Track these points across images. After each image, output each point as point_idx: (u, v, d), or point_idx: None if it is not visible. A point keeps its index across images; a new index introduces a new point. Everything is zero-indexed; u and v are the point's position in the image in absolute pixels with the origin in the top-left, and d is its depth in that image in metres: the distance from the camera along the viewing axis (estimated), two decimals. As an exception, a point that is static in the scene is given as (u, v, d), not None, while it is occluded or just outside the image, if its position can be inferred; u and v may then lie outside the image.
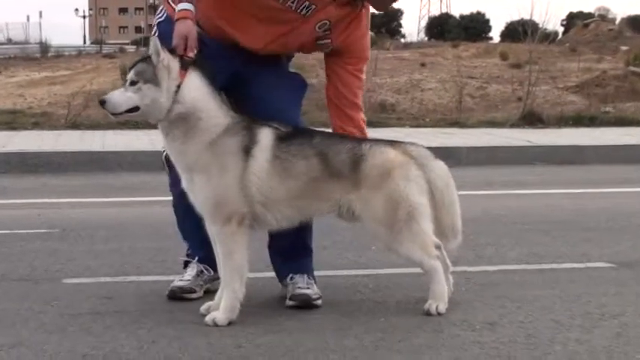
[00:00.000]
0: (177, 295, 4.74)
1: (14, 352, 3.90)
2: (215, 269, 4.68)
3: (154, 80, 4.19)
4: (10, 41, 42.69)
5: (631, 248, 6.21)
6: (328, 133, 4.68)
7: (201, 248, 4.81)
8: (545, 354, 3.91)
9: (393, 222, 4.34)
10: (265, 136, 4.31)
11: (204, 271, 4.83)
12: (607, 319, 4.44)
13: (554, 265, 5.66)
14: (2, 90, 17.24)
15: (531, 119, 14.78)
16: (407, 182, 4.35)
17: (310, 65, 19.26)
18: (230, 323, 4.27)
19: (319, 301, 4.64)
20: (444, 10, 68.27)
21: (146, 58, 4.25)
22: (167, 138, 4.32)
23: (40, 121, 13.86)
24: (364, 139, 4.54)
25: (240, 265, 4.32)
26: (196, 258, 4.86)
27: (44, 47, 31.63)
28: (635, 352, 3.94)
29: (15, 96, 16.25)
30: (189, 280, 4.80)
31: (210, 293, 4.71)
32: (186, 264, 4.93)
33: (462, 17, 54.71)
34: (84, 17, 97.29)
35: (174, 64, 4.23)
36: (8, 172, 10.26)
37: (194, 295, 4.75)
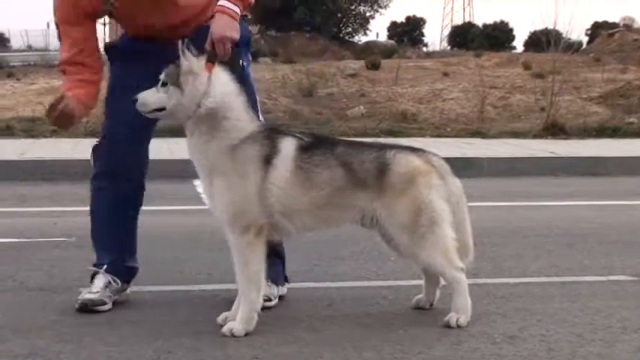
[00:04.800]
0: (89, 308, 4.66)
1: (30, 361, 3.90)
2: (123, 280, 4.79)
3: (178, 84, 4.23)
4: (30, 48, 42.86)
5: (654, 261, 6.16)
6: (350, 141, 4.70)
7: (109, 256, 4.81)
8: (566, 368, 3.89)
9: (416, 228, 4.35)
10: (287, 146, 4.32)
11: (112, 282, 4.77)
12: (629, 333, 4.42)
13: (576, 278, 5.62)
14: (22, 97, 17.31)
15: (554, 130, 14.76)
16: (430, 189, 4.37)
17: (331, 74, 19.32)
18: (247, 334, 4.25)
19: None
20: (467, 19, 68.19)
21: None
22: (192, 137, 4.31)
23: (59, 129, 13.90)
24: (386, 146, 4.54)
25: (257, 275, 4.31)
26: (104, 267, 4.79)
27: (64, 55, 31.76)
28: (657, 368, 3.92)
29: (34, 103, 16.29)
30: (98, 291, 4.73)
31: (118, 305, 4.77)
32: (92, 276, 4.84)
33: (485, 26, 54.55)
34: (104, 25, 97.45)
35: (200, 68, 4.25)
36: (26, 179, 10.33)
37: (105, 307, 4.69)
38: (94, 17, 4.72)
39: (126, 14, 4.65)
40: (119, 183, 4.76)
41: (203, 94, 4.23)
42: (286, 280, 5.04)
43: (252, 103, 4.62)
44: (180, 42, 4.25)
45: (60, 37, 4.67)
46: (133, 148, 4.60)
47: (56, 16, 4.68)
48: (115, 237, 4.83)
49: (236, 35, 4.37)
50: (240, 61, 4.75)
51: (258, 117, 4.69)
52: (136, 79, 4.46)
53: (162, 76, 4.29)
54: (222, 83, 4.29)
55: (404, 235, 4.39)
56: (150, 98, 4.30)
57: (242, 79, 4.63)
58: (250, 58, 5.02)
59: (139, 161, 4.83)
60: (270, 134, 4.35)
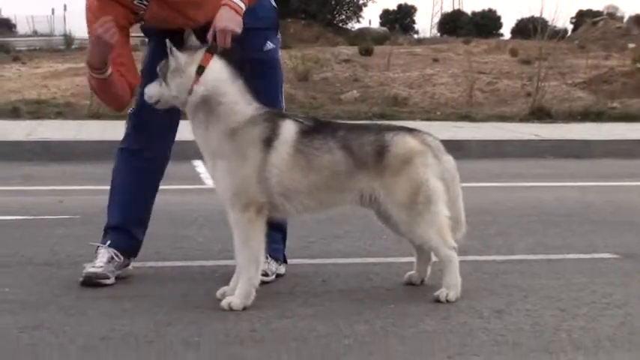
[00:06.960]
0: (93, 281, 4.76)
1: (36, 333, 4.00)
2: (125, 256, 4.89)
3: (165, 78, 4.38)
4: (35, 33, 42.57)
5: (636, 240, 6.28)
6: (349, 124, 4.78)
7: (117, 219, 4.96)
8: (550, 342, 3.99)
9: (413, 205, 4.45)
10: (287, 129, 4.40)
11: (115, 257, 4.87)
12: (611, 308, 4.52)
13: (561, 256, 5.72)
14: (27, 81, 17.33)
15: (540, 114, 14.86)
16: (426, 168, 4.48)
17: (325, 59, 19.34)
18: (245, 308, 4.36)
19: None
20: (457, 7, 67.88)
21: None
22: (192, 123, 4.45)
23: (64, 111, 13.97)
24: (384, 129, 4.64)
25: (257, 252, 4.41)
26: (108, 242, 4.91)
27: (68, 39, 31.56)
28: (638, 341, 4.04)
29: (39, 86, 16.34)
30: (102, 266, 4.83)
31: (120, 280, 4.88)
32: (96, 250, 4.96)
33: (474, 14, 54.43)
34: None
35: (189, 63, 4.35)
36: (32, 160, 10.39)
37: (108, 281, 4.79)
38: (126, 30, 4.76)
39: (154, 22, 4.74)
40: (144, 151, 4.91)
41: (190, 86, 4.33)
42: (285, 260, 5.13)
43: (278, 88, 4.85)
44: (167, 41, 4.34)
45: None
46: (159, 119, 4.72)
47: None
48: (128, 203, 4.95)
49: (238, 30, 4.43)
50: (266, 44, 4.89)
51: (282, 101, 4.89)
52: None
53: (158, 70, 4.43)
54: (214, 71, 4.37)
55: (402, 213, 4.49)
56: (152, 91, 4.47)
57: (270, 63, 4.85)
58: (280, 40, 5.08)
59: (165, 133, 4.95)
60: (271, 117, 4.43)
